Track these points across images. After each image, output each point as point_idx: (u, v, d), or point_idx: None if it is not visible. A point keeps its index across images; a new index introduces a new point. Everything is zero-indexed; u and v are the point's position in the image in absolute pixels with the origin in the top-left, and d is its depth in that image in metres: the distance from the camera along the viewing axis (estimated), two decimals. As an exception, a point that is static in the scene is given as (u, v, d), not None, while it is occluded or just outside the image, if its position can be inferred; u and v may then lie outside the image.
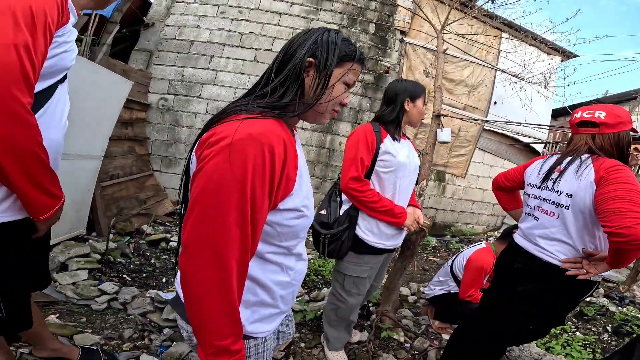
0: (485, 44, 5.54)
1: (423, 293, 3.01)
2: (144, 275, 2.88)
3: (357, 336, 2.29)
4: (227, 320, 0.69)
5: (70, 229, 2.96)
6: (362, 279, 1.82)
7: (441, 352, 2.29)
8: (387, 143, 1.70)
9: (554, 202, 1.48)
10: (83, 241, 3.00)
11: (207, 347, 0.69)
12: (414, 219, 1.81)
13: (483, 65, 5.67)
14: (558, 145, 6.73)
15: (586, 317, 3.36)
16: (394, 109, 1.76)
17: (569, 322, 3.25)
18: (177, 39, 5.25)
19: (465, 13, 3.71)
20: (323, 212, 1.80)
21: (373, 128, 1.71)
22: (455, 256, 2.81)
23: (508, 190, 1.89)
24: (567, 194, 1.43)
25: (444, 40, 3.15)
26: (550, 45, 6.12)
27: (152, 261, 3.17)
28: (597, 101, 10.26)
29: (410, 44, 5.66)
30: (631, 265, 4.62)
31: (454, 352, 1.82)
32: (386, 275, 2.72)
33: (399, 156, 1.70)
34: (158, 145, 5.12)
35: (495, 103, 6.07)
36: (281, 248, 0.83)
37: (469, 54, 5.24)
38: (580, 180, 1.38)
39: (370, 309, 2.71)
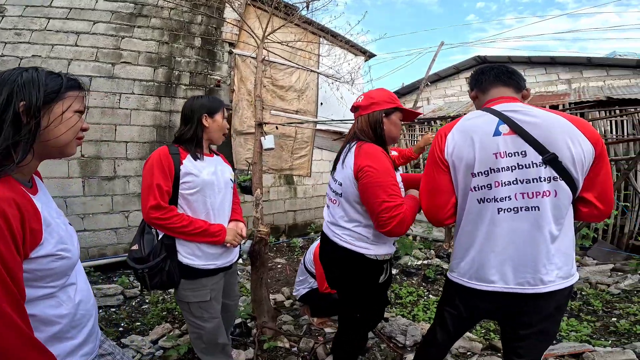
0: (306, 50, 6.01)
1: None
2: None
3: (242, 355, 2.23)
4: (34, 351, 0.75)
5: None
6: (207, 302, 1.71)
7: (328, 346, 2.36)
8: (188, 163, 1.62)
9: (335, 191, 1.59)
10: None
11: None
12: (236, 233, 1.77)
13: (306, 70, 6.16)
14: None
15: (430, 279, 3.86)
16: (191, 127, 1.70)
17: (421, 287, 3.68)
18: None
19: (287, 20, 3.88)
20: (135, 247, 1.65)
21: (169, 150, 1.61)
22: (305, 253, 2.93)
23: None
24: (339, 182, 1.54)
25: (266, 49, 3.23)
26: (353, 45, 7.06)
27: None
28: (396, 92, 12.60)
29: (239, 55, 5.67)
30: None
31: (336, 345, 1.84)
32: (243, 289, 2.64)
33: (203, 174, 1.65)
34: None
35: (321, 104, 6.71)
36: (50, 288, 0.87)
37: (292, 62, 5.59)
38: (345, 168, 1.51)
39: (248, 324, 2.64)
